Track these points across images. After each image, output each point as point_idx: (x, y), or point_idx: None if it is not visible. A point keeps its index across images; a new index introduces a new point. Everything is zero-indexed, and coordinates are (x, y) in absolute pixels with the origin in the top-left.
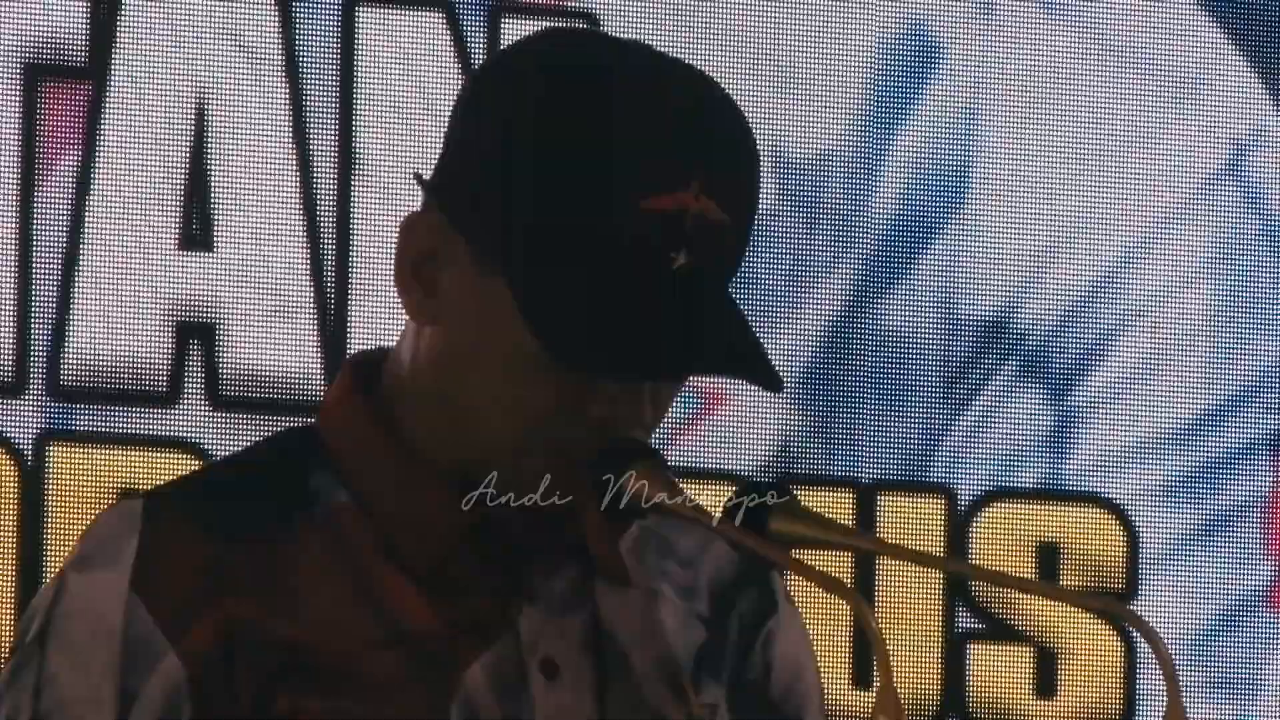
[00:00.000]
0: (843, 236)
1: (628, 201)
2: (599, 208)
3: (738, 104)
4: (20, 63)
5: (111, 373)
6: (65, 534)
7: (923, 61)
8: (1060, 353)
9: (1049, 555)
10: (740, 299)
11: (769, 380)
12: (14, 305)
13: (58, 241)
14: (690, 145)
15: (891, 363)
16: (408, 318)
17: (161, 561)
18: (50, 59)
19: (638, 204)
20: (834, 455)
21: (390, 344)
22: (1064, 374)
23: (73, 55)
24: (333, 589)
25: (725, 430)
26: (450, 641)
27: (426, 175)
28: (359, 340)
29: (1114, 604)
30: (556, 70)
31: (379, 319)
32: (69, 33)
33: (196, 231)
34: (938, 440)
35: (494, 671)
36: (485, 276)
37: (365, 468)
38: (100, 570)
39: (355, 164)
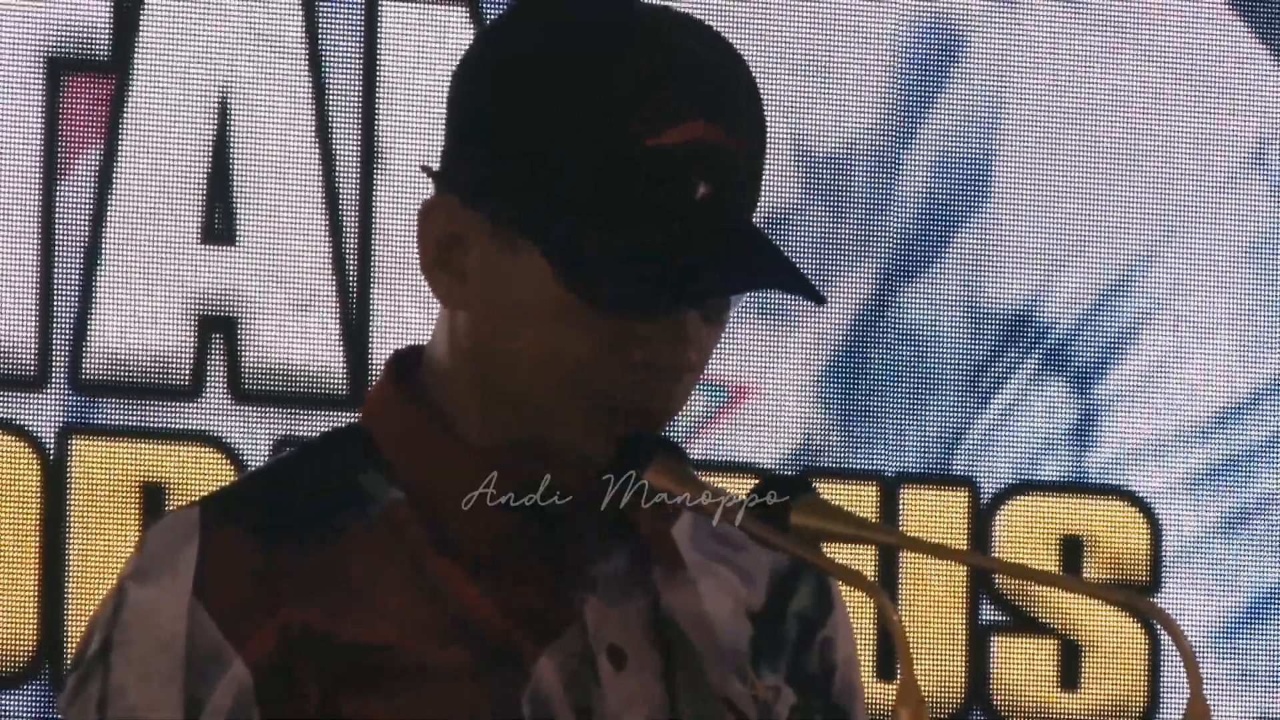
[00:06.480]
0: (866, 229)
1: (638, 142)
2: (610, 154)
3: (733, 45)
4: (43, 57)
5: (134, 366)
6: (87, 527)
7: (946, 55)
8: (1084, 346)
9: (1072, 548)
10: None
11: (808, 291)
12: (37, 299)
13: (80, 235)
14: (690, 83)
15: (915, 356)
16: (440, 308)
17: (221, 568)
18: (73, 53)
19: (647, 142)
20: (858, 448)
21: (415, 340)
22: (1087, 367)
23: (95, 49)
24: (394, 589)
25: (750, 423)
26: (516, 634)
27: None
28: (381, 334)
29: (1135, 597)
30: (551, 32)
31: (401, 313)
32: (92, 27)
33: (219, 225)
34: (961, 433)
35: (563, 662)
36: (511, 248)
37: (414, 462)
38: (161, 580)
39: (378, 158)
